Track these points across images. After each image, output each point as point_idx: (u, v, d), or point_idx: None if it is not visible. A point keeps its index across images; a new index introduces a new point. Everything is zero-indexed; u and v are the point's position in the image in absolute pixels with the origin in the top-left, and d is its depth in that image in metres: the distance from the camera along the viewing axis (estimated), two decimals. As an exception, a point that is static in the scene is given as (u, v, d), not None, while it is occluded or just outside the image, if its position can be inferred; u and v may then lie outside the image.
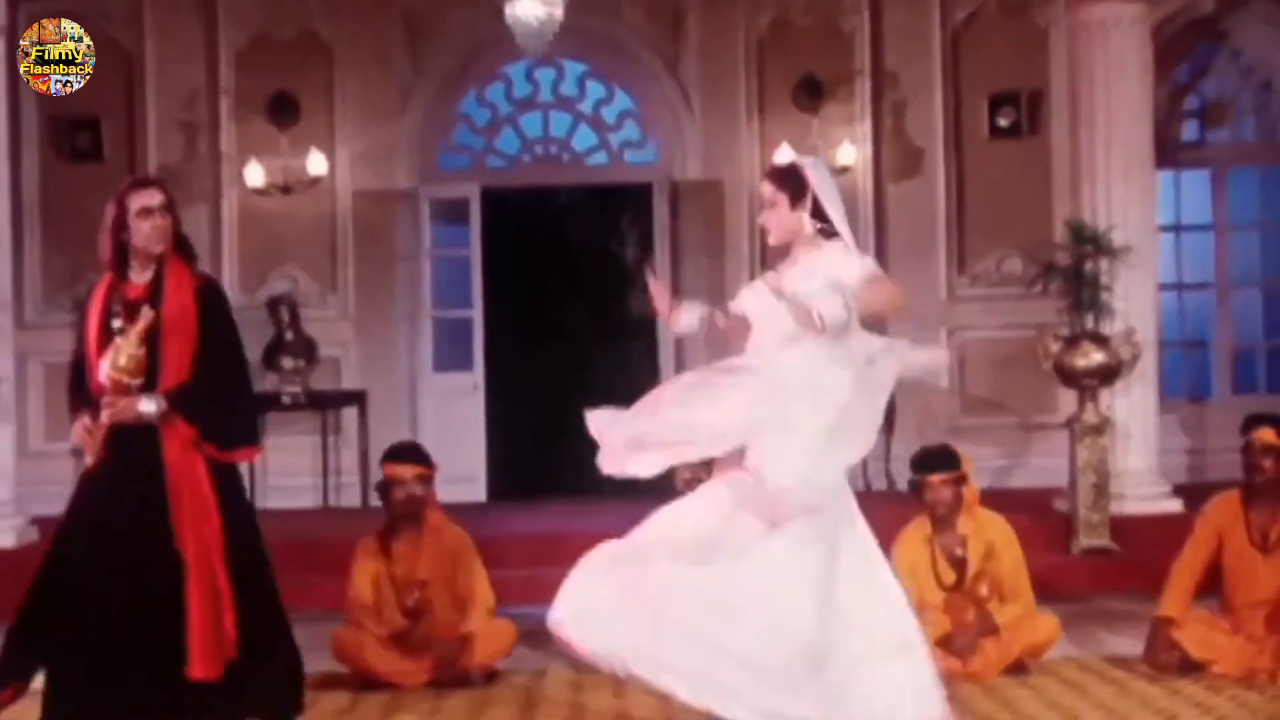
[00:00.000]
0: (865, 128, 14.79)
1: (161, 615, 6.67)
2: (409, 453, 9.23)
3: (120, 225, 6.99)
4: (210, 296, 7.10)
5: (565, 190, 15.86)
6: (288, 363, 14.08)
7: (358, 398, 14.52)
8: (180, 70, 14.67)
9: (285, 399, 13.95)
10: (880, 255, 14.54)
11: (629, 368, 15.79)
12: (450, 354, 14.97)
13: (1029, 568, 8.93)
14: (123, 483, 6.86)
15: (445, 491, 13.79)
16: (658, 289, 6.72)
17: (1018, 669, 8.72)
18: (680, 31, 14.91)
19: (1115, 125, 12.53)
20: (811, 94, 14.69)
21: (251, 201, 14.42)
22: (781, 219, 6.47)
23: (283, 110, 14.42)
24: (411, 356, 15.01)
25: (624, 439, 6.37)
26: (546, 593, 6.48)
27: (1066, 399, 14.33)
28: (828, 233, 6.44)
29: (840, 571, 6.14)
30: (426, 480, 9.12)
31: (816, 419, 6.14)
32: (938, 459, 9.11)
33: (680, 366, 14.69)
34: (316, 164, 14.35)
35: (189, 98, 14.62)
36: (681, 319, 6.67)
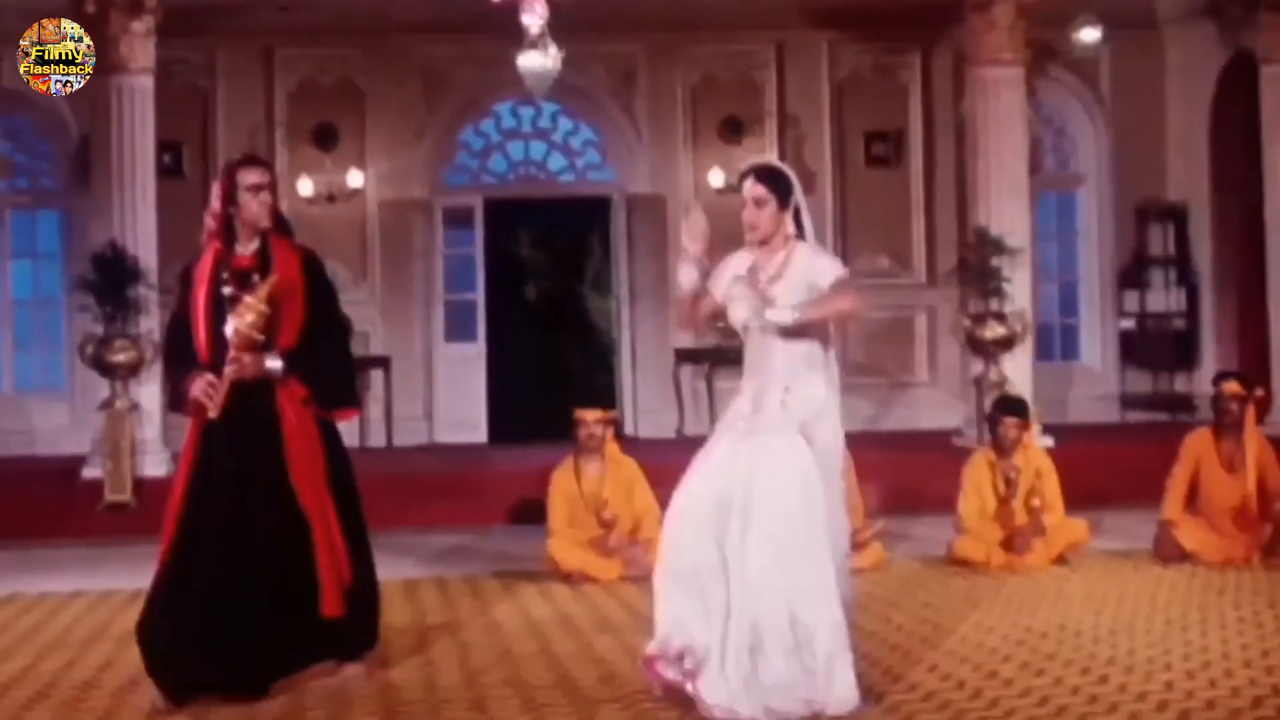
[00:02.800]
0: (774, 157, 16.77)
1: (289, 558, 6.76)
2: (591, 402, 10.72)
3: (229, 199, 6.97)
4: (314, 267, 7.11)
5: (543, 201, 18.09)
6: (326, 335, 16.67)
7: (383, 363, 16.63)
8: (244, 107, 16.88)
9: (324, 364, 16.46)
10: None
11: (593, 340, 18.79)
12: (458, 329, 16.99)
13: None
14: (245, 435, 6.83)
15: (454, 435, 17.04)
16: (693, 229, 6.65)
17: (1060, 561, 10.12)
18: (632, 82, 17.52)
19: (1003, 156, 14.52)
20: (733, 130, 17.48)
21: (301, 209, 16.31)
22: (770, 217, 6.65)
23: (325, 138, 16.85)
24: (427, 331, 17.04)
25: None
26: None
27: (921, 364, 17.88)
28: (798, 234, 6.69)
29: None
30: (606, 423, 10.40)
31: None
32: (1015, 406, 10.65)
33: (634, 343, 17.74)
34: (354, 179, 16.78)
35: (252, 128, 16.83)
36: (683, 272, 6.69)
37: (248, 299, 6.84)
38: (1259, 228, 16.23)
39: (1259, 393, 10.56)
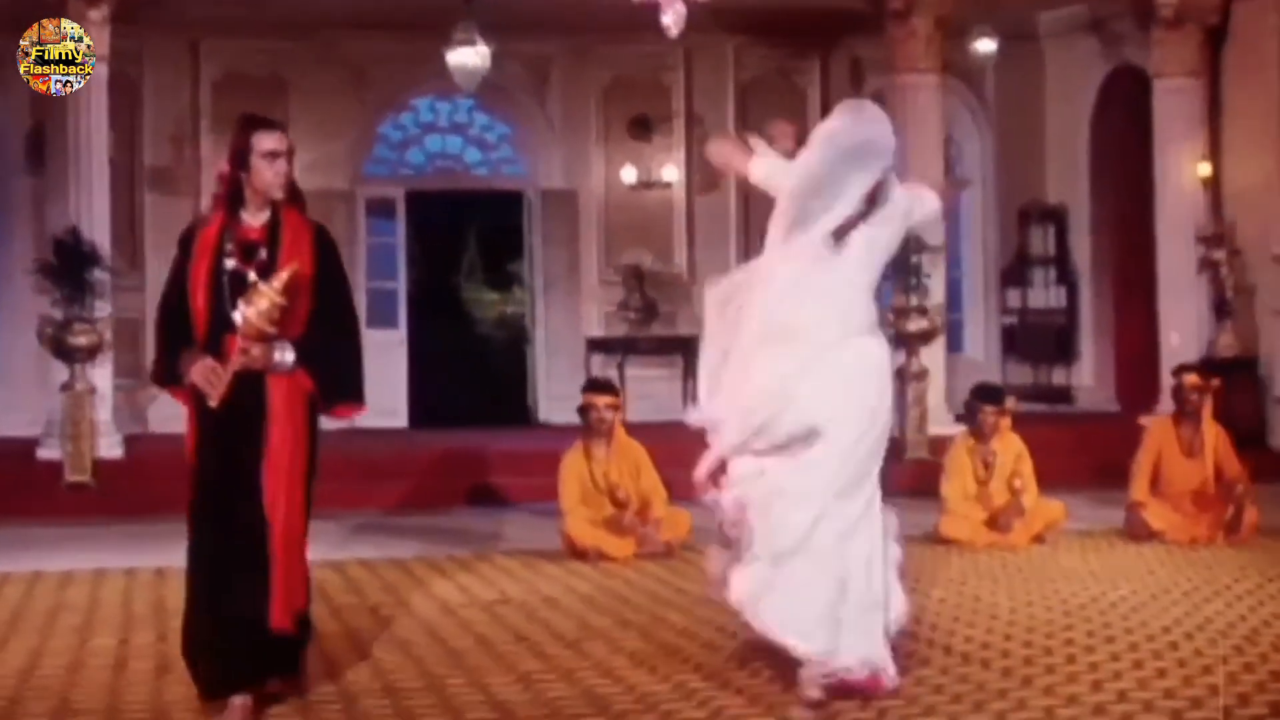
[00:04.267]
0: (680, 155, 17.89)
1: (250, 564, 6.12)
2: (602, 386, 10.87)
3: (240, 163, 6.24)
4: (326, 246, 6.38)
5: (460, 193, 18.38)
6: (252, 321, 16.74)
7: (307, 347, 17.06)
8: (171, 96, 16.92)
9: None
10: (690, 248, 17.94)
11: (506, 325, 19.03)
12: (380, 315, 17.01)
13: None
14: (230, 428, 6.16)
15: (375, 420, 17.03)
16: (720, 149, 6.81)
17: (1039, 540, 10.48)
18: (547, 80, 17.85)
19: (923, 159, 14.61)
20: (643, 128, 17.88)
21: None
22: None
23: None
24: (349, 317, 17.52)
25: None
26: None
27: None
28: None
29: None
30: (614, 407, 10.47)
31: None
32: (992, 394, 10.98)
33: (547, 332, 18.10)
34: None
35: (178, 117, 16.92)
36: (755, 170, 6.67)
37: (262, 286, 6.07)
38: (1136, 229, 16.98)
39: (1215, 383, 11.14)
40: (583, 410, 10.58)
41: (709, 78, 18.15)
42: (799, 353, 6.24)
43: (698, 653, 7.31)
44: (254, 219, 6.28)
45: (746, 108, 18.18)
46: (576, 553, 10.20)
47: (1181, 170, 15.62)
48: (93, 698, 6.68)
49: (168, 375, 6.37)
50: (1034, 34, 18.34)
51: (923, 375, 14.57)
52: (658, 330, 17.66)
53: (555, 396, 17.75)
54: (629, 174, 17.67)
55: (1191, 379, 10.96)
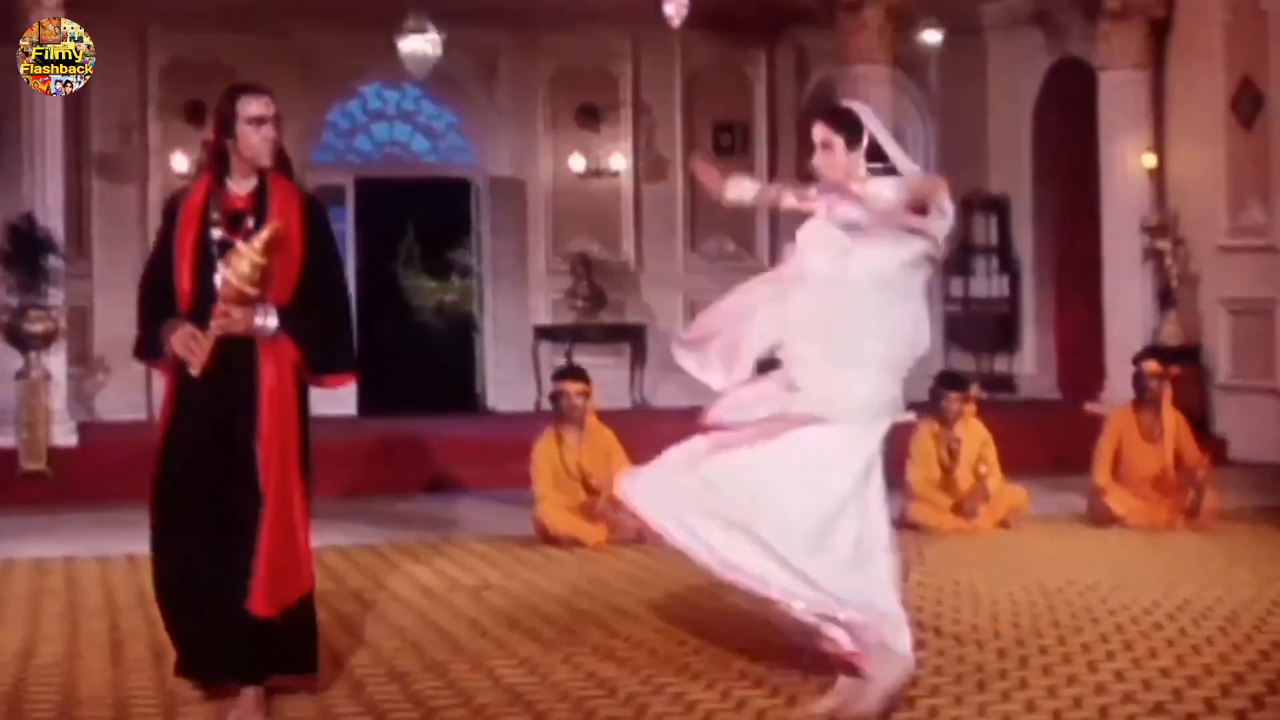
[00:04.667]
0: (628, 144, 17.88)
1: (234, 542, 5.92)
2: (574, 373, 10.79)
3: (226, 129, 6.07)
4: (315, 214, 6.21)
5: (408, 181, 18.13)
6: (200, 308, 16.62)
7: (256, 334, 16.95)
8: (118, 82, 16.52)
9: (199, 335, 16.37)
10: (637, 237, 18.13)
11: (444, 314, 19.02)
12: None
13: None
14: (219, 396, 5.97)
15: (324, 408, 16.94)
16: (703, 169, 6.43)
17: (1003, 524, 10.65)
18: (495, 69, 17.76)
19: None
20: (591, 118, 17.85)
21: (174, 183, 15.67)
22: (837, 161, 6.02)
23: (197, 114, 16.36)
24: (297, 305, 17.39)
25: (689, 336, 6.34)
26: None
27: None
28: (888, 172, 6.02)
29: (865, 475, 6.05)
30: (586, 394, 10.48)
31: (887, 352, 5.98)
32: (957, 381, 11.13)
33: (495, 320, 18.10)
34: None
35: (124, 103, 16.70)
36: (729, 192, 6.30)
37: (242, 246, 5.89)
38: (1078, 219, 17.19)
39: (1175, 370, 11.31)
40: (554, 397, 10.65)
41: (656, 67, 18.17)
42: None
43: (691, 638, 7.37)
44: (240, 187, 6.11)
45: (693, 97, 18.29)
46: (550, 539, 10.26)
47: (1127, 161, 15.80)
48: (96, 685, 6.68)
49: (150, 348, 6.17)
50: (978, 26, 18.47)
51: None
52: (605, 318, 17.70)
53: (503, 384, 17.81)
54: (577, 163, 17.69)
55: (1152, 366, 11.08)
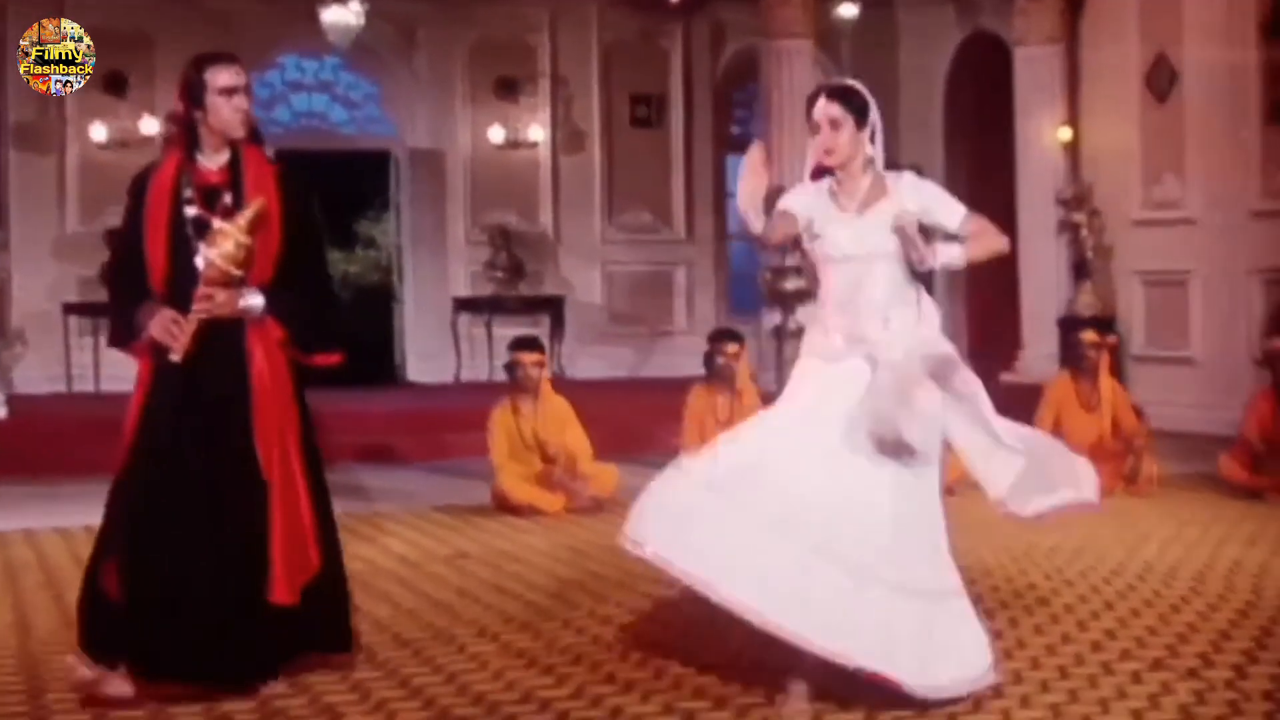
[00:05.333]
0: (546, 115, 18.06)
1: (244, 534, 5.71)
2: (528, 343, 10.77)
3: (195, 101, 5.82)
4: (292, 185, 5.98)
5: (326, 153, 18.00)
6: (120, 280, 16.53)
7: (171, 307, 16.88)
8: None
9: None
10: (555, 208, 18.42)
11: (350, 287, 19.01)
12: None
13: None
14: (206, 384, 5.75)
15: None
16: (756, 160, 5.90)
17: (949, 492, 10.90)
18: (413, 39, 17.87)
19: (796, 124, 14.16)
20: (508, 89, 18.03)
21: (93, 153, 16.51)
22: (848, 139, 5.89)
23: (116, 84, 16.65)
24: (216, 275, 17.32)
25: None
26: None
27: (680, 314, 18.68)
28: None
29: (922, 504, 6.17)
30: (540, 364, 10.58)
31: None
32: (726, 334, 11.13)
33: (414, 291, 18.22)
34: (147, 126, 16.57)
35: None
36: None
37: (225, 225, 5.66)
38: (991, 191, 17.37)
39: (1112, 339, 11.58)
40: (509, 367, 10.71)
41: (573, 39, 18.33)
42: None
43: (686, 605, 7.46)
44: (212, 161, 5.88)
45: (610, 69, 18.49)
46: (508, 507, 10.37)
47: (1042, 135, 16.13)
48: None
49: (125, 334, 5.87)
50: (891, 1, 18.70)
51: (799, 333, 14.35)
52: (524, 290, 17.81)
53: (422, 355, 17.85)
54: (496, 134, 17.78)
55: (1089, 335, 11.31)
